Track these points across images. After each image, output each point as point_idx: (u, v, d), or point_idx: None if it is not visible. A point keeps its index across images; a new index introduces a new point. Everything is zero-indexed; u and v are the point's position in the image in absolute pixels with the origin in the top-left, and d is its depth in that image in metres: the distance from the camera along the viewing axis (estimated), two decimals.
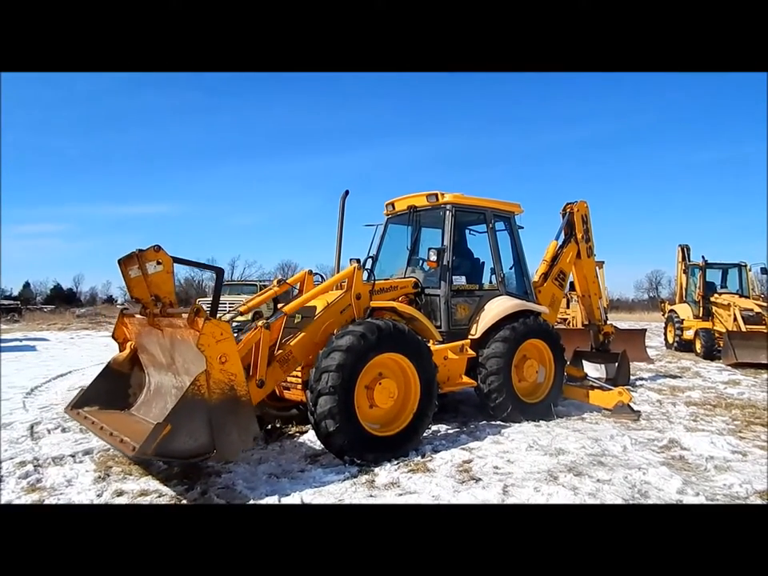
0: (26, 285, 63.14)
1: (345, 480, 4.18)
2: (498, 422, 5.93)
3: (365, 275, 6.50)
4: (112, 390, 4.77)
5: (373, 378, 4.72)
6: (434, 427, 5.79)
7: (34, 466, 4.43)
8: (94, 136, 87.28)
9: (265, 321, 4.54)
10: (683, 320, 14.26)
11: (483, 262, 6.69)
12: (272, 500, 3.73)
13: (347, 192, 5.92)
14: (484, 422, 5.99)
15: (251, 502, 3.70)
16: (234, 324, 5.52)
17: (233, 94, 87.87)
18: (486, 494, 3.90)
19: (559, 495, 3.86)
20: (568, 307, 15.45)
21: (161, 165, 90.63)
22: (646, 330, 13.03)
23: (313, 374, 4.42)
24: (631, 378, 9.84)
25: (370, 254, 6.66)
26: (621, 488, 4.00)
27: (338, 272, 5.82)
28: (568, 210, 8.48)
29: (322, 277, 5.90)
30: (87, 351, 15.12)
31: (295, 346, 4.69)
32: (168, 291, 4.22)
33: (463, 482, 4.17)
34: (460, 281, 6.01)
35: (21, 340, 18.05)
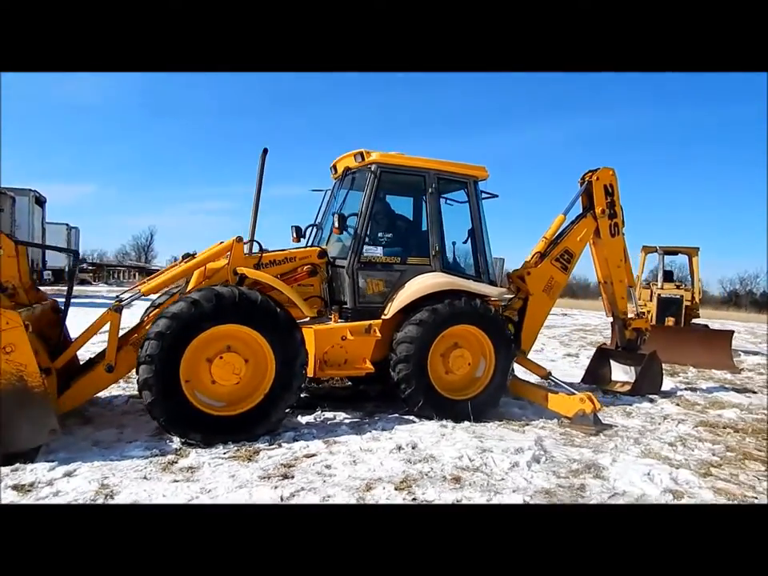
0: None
1: (145, 458, 3.86)
2: (413, 416, 5.13)
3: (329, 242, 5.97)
4: None
5: (218, 351, 4.29)
6: (332, 414, 5.21)
7: None
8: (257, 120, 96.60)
9: (116, 303, 4.32)
10: None
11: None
12: (41, 466, 3.54)
13: (266, 150, 5.42)
14: (396, 414, 5.24)
15: (18, 465, 3.52)
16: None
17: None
18: (261, 494, 3.33)
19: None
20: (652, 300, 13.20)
21: (320, 148, 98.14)
22: (733, 332, 10.63)
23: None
24: (680, 385, 8.15)
25: (316, 222, 6.15)
26: None
27: (253, 237, 5.39)
28: (587, 178, 7.08)
29: (260, 245, 5.26)
30: None
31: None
32: (11, 276, 4.19)
33: (264, 477, 3.62)
34: (374, 252, 5.23)
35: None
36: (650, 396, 6.98)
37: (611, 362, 7.87)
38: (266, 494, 3.33)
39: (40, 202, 20.37)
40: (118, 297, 4.87)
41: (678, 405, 6.65)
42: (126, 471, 3.61)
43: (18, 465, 3.53)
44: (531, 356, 9.86)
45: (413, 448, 4.26)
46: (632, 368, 7.57)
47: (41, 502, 3.11)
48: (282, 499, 3.30)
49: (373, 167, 5.27)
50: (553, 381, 5.96)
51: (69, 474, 3.49)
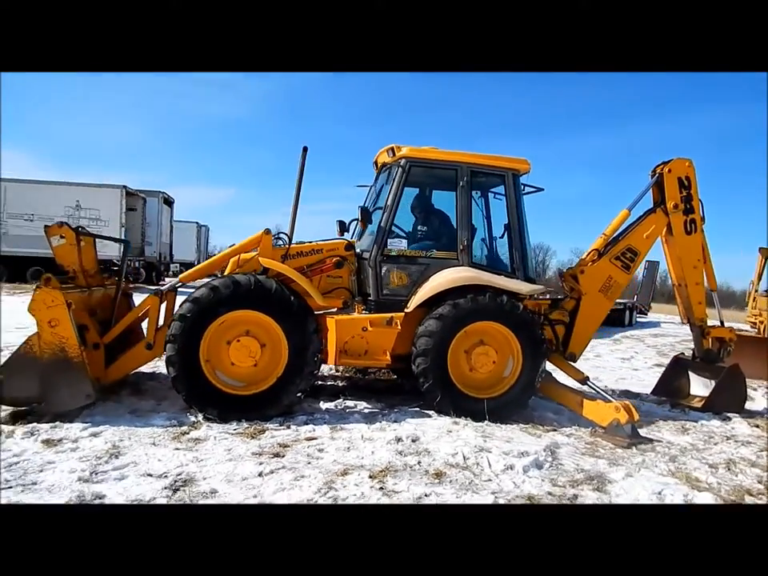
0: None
1: (164, 427, 4.29)
2: (431, 411, 5.09)
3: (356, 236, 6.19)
4: None
5: (238, 335, 4.62)
6: (353, 403, 5.33)
7: None
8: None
9: (158, 288, 4.85)
10: None
11: (475, 230, 5.68)
12: (76, 426, 4.09)
13: (305, 149, 5.68)
14: (416, 407, 5.23)
15: (58, 424, 4.09)
16: None
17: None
18: (243, 468, 3.57)
19: (302, 493, 3.27)
20: None
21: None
22: None
23: None
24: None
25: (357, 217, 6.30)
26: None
27: (292, 232, 5.68)
28: (658, 170, 6.48)
29: (288, 237, 5.58)
30: None
31: None
32: (71, 262, 4.86)
33: (256, 454, 3.87)
34: (398, 245, 5.25)
35: None
36: (729, 414, 6.22)
37: (690, 374, 7.12)
38: (247, 469, 3.56)
39: (168, 202, 22.76)
40: (172, 286, 5.43)
41: (756, 426, 5.84)
42: (141, 437, 4.05)
43: (58, 423, 4.11)
44: (617, 363, 9.24)
45: (413, 441, 4.26)
46: (712, 382, 6.79)
47: (59, 455, 3.61)
48: (260, 475, 3.50)
49: (402, 161, 5.31)
50: (591, 387, 5.55)
51: (94, 435, 4.01)
